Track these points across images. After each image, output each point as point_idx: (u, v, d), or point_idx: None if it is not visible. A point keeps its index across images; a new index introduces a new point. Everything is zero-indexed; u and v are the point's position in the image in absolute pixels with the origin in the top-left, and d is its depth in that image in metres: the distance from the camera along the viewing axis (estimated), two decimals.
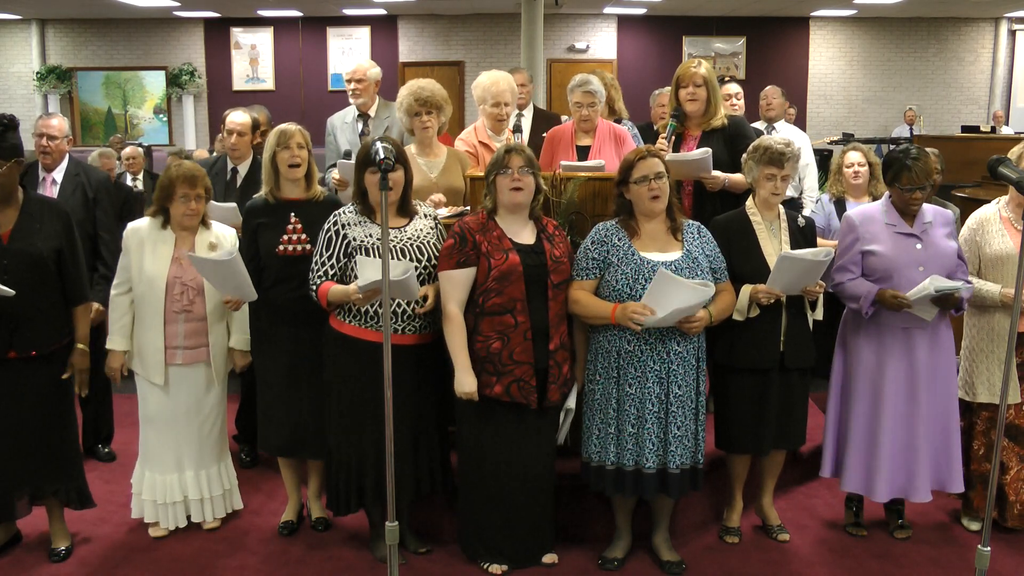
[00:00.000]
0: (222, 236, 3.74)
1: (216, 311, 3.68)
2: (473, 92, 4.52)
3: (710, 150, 3.93)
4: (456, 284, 3.33)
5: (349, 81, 4.99)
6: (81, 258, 3.59)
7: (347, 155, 4.81)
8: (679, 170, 3.91)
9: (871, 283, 3.55)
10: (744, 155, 3.67)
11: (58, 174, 4.36)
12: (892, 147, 4.15)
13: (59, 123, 4.39)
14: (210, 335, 3.69)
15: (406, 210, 3.47)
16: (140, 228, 3.68)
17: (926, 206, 3.61)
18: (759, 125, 5.99)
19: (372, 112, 5.01)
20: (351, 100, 5.02)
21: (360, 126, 4.97)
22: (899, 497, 3.67)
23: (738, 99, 5.61)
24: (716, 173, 3.96)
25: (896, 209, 3.60)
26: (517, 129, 4.39)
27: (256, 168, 4.49)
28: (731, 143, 4.07)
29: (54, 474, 3.53)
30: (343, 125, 5.02)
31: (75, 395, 4.59)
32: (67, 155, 4.42)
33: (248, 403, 4.57)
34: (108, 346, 3.70)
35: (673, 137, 4.08)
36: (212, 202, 4.04)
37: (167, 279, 3.60)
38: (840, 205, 4.60)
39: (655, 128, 4.41)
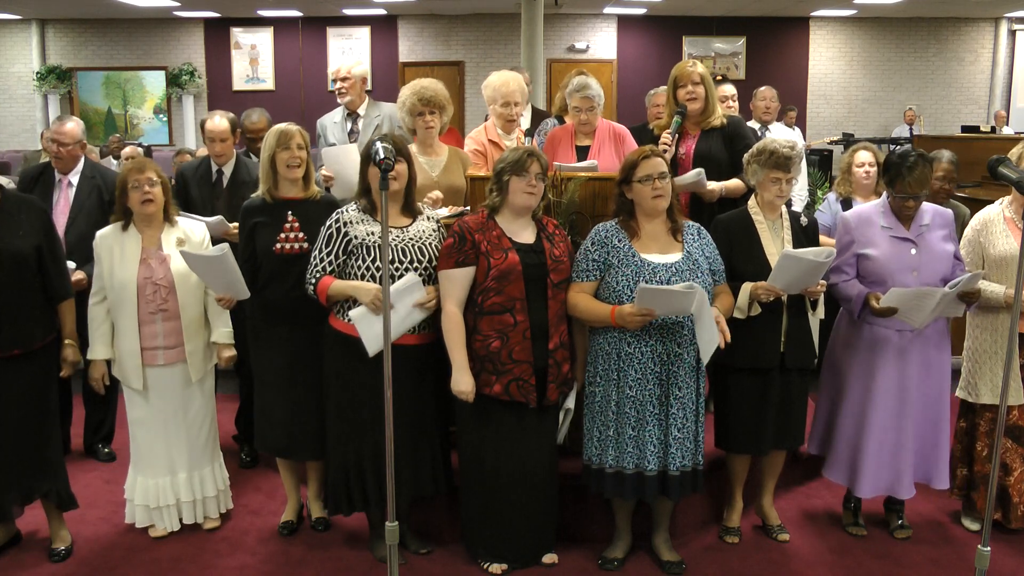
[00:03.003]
0: (190, 231, 3.70)
1: (188, 307, 3.63)
2: (483, 92, 4.51)
3: (703, 171, 3.93)
4: (455, 283, 3.32)
5: (335, 80, 4.98)
6: (62, 254, 3.59)
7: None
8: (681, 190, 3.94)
9: (862, 286, 3.56)
10: (747, 156, 3.66)
11: (74, 177, 4.40)
12: (892, 147, 4.14)
13: (72, 128, 4.38)
14: (185, 332, 3.64)
15: (410, 210, 3.47)
16: (107, 234, 3.64)
17: (925, 205, 3.61)
18: (753, 125, 5.98)
19: (361, 111, 4.99)
20: (338, 99, 5.01)
21: (349, 125, 4.97)
22: (884, 495, 3.70)
23: (733, 100, 5.61)
24: (712, 186, 3.96)
25: (893, 211, 3.60)
26: (529, 133, 4.36)
27: (240, 167, 4.51)
28: (730, 143, 4.09)
29: (42, 474, 3.51)
30: (332, 125, 5.01)
31: (79, 394, 4.60)
32: (83, 158, 4.45)
33: (248, 403, 4.57)
34: (89, 356, 3.67)
35: (676, 134, 4.09)
36: (203, 218, 4.03)
37: (137, 281, 3.56)
38: (847, 205, 4.59)
39: (650, 127, 4.40)
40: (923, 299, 3.39)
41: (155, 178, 3.58)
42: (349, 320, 3.33)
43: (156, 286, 3.58)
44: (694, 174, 3.92)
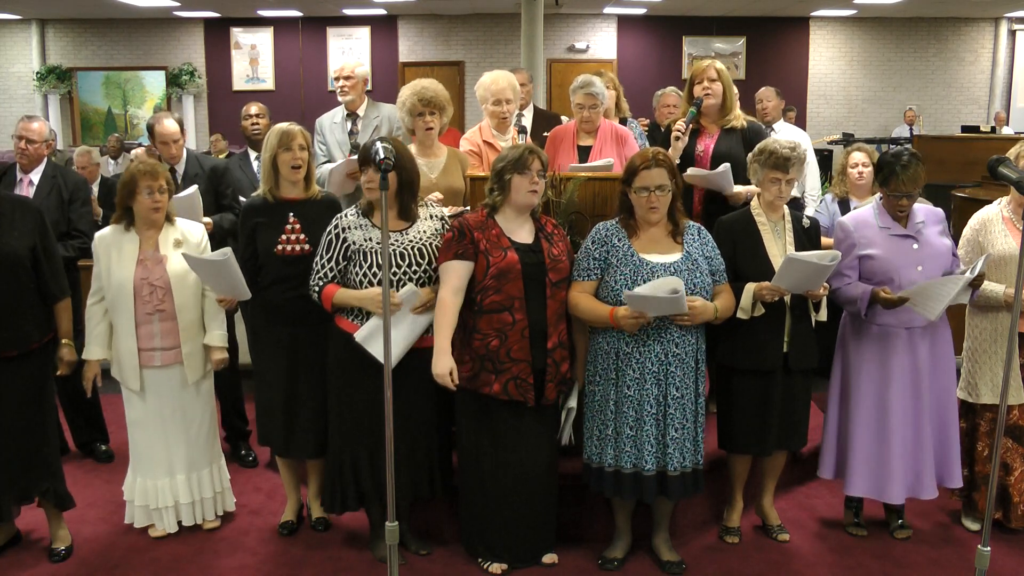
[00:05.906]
0: (188, 232, 3.69)
1: (185, 309, 3.62)
2: (476, 92, 4.53)
3: (728, 166, 3.93)
4: (453, 271, 3.31)
5: (337, 79, 4.98)
6: (57, 255, 3.59)
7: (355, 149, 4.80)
8: (701, 183, 3.96)
9: (866, 285, 3.56)
10: (749, 156, 3.68)
11: (35, 175, 4.43)
12: (890, 147, 4.16)
13: (39, 127, 4.42)
14: (182, 334, 3.63)
15: (407, 214, 3.45)
16: (106, 235, 3.63)
17: (917, 206, 3.64)
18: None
19: (360, 111, 4.98)
20: (339, 98, 5.00)
21: (349, 125, 4.97)
22: (910, 496, 3.67)
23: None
24: (738, 189, 3.95)
25: (887, 211, 3.61)
26: (523, 130, 4.37)
27: (190, 162, 4.58)
28: (750, 146, 4.10)
29: (39, 474, 3.52)
30: (332, 125, 5.00)
31: (60, 395, 4.60)
32: (46, 158, 4.47)
33: (237, 403, 4.58)
34: (84, 356, 3.65)
35: (690, 126, 4.09)
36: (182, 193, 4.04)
37: (134, 281, 3.56)
38: (844, 205, 4.61)
39: (668, 125, 4.40)
40: (943, 287, 3.39)
41: (165, 185, 3.59)
42: (355, 320, 3.34)
43: (153, 287, 3.57)
44: (719, 170, 3.93)
